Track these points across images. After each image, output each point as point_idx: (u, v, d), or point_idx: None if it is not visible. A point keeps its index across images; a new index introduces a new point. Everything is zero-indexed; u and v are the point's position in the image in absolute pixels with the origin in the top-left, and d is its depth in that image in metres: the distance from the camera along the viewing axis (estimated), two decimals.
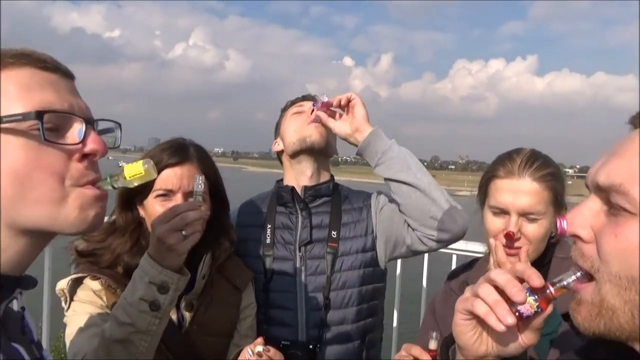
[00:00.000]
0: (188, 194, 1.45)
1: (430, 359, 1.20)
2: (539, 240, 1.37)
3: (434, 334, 1.24)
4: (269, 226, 1.76)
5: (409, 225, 1.62)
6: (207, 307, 1.53)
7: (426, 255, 2.68)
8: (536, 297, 0.74)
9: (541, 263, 1.41)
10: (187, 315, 1.51)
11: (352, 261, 1.71)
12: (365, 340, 1.73)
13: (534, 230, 1.35)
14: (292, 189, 1.78)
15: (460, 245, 2.44)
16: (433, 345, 1.23)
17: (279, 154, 1.87)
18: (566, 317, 0.89)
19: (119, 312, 1.21)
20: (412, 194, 1.57)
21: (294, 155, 1.77)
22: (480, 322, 0.79)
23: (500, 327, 0.74)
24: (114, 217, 1.54)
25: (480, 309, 0.76)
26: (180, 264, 1.23)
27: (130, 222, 1.52)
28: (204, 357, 1.50)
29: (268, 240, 1.75)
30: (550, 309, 0.75)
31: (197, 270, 1.50)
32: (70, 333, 1.37)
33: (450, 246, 2.26)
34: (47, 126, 0.72)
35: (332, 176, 1.84)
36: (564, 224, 0.70)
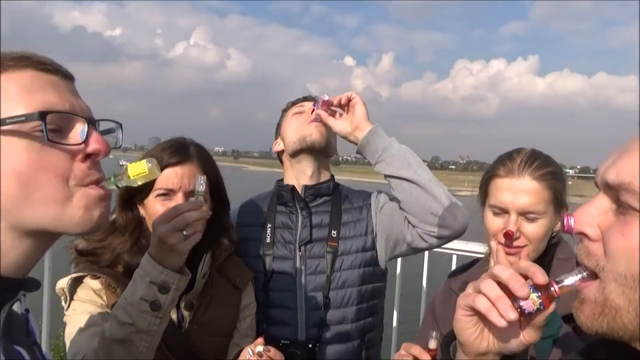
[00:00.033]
0: (189, 194, 1.45)
1: (430, 358, 1.20)
2: (539, 240, 1.37)
3: (434, 334, 1.24)
4: (269, 225, 1.76)
5: (409, 222, 1.62)
6: (207, 306, 1.53)
7: (426, 255, 2.68)
8: (539, 293, 0.73)
9: (541, 263, 1.40)
10: (187, 314, 1.51)
11: (352, 260, 1.71)
12: (364, 339, 1.73)
13: (533, 229, 1.35)
14: (293, 188, 1.78)
15: (461, 245, 2.45)
16: (433, 344, 1.22)
17: (280, 154, 1.87)
18: (567, 319, 0.89)
19: (119, 312, 1.21)
20: (413, 191, 1.56)
21: (295, 154, 1.77)
22: (482, 318, 0.78)
23: (502, 323, 0.73)
24: (114, 216, 1.54)
25: (482, 304, 0.75)
26: (181, 264, 1.23)
27: (131, 221, 1.52)
28: (204, 356, 1.50)
29: (268, 240, 1.75)
30: (552, 307, 0.74)
31: (197, 270, 1.50)
32: (70, 332, 1.37)
33: (450, 246, 2.26)
34: (50, 127, 0.71)
35: (332, 175, 1.84)
36: (571, 221, 0.69)
